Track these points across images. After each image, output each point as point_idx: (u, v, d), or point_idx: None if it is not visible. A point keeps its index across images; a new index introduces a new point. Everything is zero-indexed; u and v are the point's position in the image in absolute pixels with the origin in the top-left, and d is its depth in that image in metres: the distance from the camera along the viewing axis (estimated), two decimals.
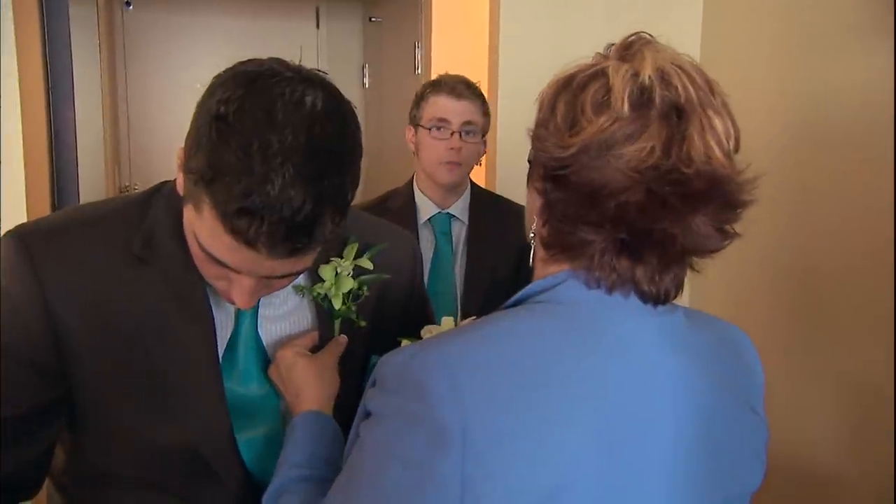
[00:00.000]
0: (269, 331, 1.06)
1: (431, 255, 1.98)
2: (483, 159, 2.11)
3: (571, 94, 0.80)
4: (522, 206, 2.25)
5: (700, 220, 0.76)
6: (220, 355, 1.01)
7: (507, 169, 2.58)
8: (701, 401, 0.83)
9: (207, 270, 0.92)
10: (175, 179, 0.97)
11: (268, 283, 0.92)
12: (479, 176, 2.32)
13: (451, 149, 1.91)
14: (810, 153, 2.11)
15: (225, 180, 0.79)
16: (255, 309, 1.03)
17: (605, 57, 0.81)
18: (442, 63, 3.30)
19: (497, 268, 1.96)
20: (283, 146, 0.79)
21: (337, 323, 1.10)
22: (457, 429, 0.72)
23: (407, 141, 2.04)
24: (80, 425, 1.02)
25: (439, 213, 2.02)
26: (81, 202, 3.54)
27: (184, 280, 0.98)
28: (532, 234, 0.87)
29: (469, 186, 2.07)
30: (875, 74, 1.89)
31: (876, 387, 1.89)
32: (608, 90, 0.77)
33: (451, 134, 1.92)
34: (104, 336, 0.96)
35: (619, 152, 0.75)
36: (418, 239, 1.96)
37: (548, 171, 0.81)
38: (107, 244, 0.98)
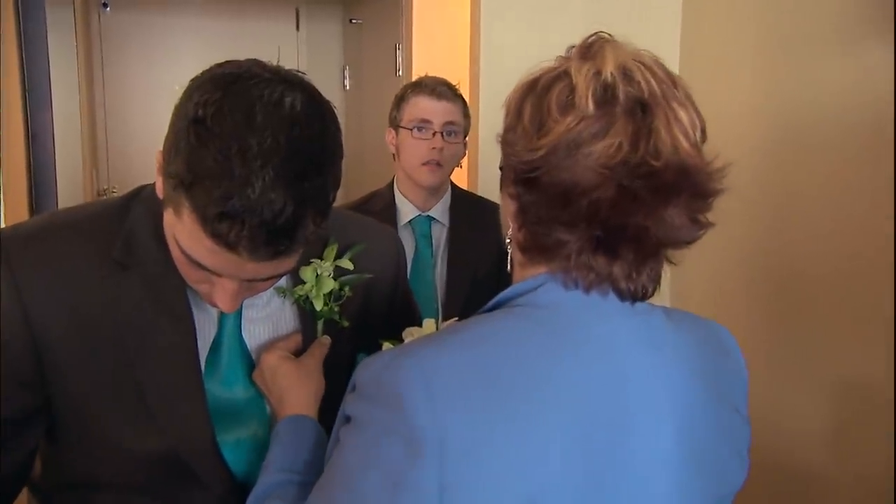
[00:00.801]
0: (253, 333, 1.06)
1: (412, 258, 1.99)
2: (464, 161, 2.12)
3: (537, 97, 0.81)
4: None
5: (672, 212, 0.78)
6: (204, 358, 1.02)
7: (489, 171, 2.59)
8: (683, 402, 0.84)
9: (189, 274, 0.92)
10: (154, 183, 0.98)
11: (250, 286, 0.93)
12: (460, 178, 2.33)
13: (434, 148, 1.92)
14: (791, 155, 2.14)
15: (204, 184, 0.79)
16: (238, 311, 1.03)
17: (567, 58, 0.83)
18: (423, 65, 3.30)
19: (478, 270, 1.97)
20: (263, 148, 0.80)
21: (320, 324, 1.10)
22: (434, 438, 0.72)
23: (387, 143, 2.05)
24: (60, 432, 1.01)
25: (420, 215, 2.02)
26: (60, 206, 3.52)
27: (164, 284, 0.98)
28: (508, 240, 0.87)
29: (450, 189, 2.08)
30: (857, 76, 1.93)
31: (858, 385, 1.92)
32: (572, 90, 0.78)
33: (433, 134, 1.93)
34: (84, 342, 0.96)
35: (587, 150, 0.76)
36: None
37: (519, 175, 0.82)
38: (86, 249, 0.98)
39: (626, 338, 0.82)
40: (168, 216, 0.87)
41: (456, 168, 2.05)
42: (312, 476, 0.92)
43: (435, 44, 3.31)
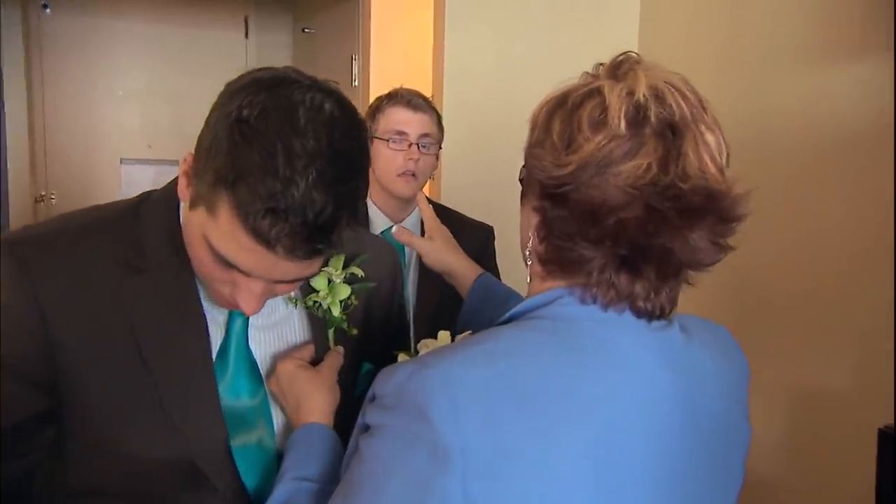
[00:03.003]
0: (259, 340, 1.09)
1: None
2: (436, 172, 2.20)
3: (567, 113, 0.84)
4: (474, 220, 2.25)
5: (697, 235, 0.81)
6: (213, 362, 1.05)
7: (452, 180, 2.66)
8: (701, 419, 0.87)
9: (215, 275, 0.95)
10: (163, 188, 1.05)
11: (272, 289, 0.97)
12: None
13: (410, 159, 1.98)
14: (752, 166, 2.16)
15: (248, 181, 0.83)
16: (245, 319, 1.07)
17: (595, 76, 0.86)
18: (380, 75, 3.36)
19: (449, 285, 1.99)
20: (306, 150, 0.84)
21: (331, 332, 1.14)
22: (457, 449, 0.75)
23: None
24: (69, 439, 1.02)
25: (392, 226, 2.05)
26: (10, 208, 3.46)
27: (178, 288, 1.02)
28: (528, 252, 0.90)
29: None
30: (818, 91, 2.03)
31: (815, 394, 2.01)
32: (604, 108, 0.81)
33: (409, 145, 1.98)
34: (100, 347, 0.98)
35: (617, 170, 0.79)
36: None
37: (545, 190, 0.84)
38: (100, 254, 1.00)
39: (645, 354, 0.85)
40: (198, 216, 0.91)
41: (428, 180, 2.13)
42: (329, 484, 0.96)
43: (392, 53, 3.35)
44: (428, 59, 2.80)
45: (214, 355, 1.05)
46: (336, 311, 1.12)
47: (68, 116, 4.37)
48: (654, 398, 0.83)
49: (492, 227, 2.09)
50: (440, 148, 2.08)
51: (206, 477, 1.02)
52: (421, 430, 0.76)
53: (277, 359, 1.09)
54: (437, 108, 2.12)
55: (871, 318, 1.86)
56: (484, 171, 2.61)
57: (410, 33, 3.22)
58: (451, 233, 1.84)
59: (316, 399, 1.05)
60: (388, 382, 0.80)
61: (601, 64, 0.88)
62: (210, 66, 4.48)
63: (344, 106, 0.91)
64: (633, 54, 0.86)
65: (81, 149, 4.27)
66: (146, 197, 1.07)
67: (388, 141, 1.99)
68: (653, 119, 0.80)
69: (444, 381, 0.77)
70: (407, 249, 2.06)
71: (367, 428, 0.82)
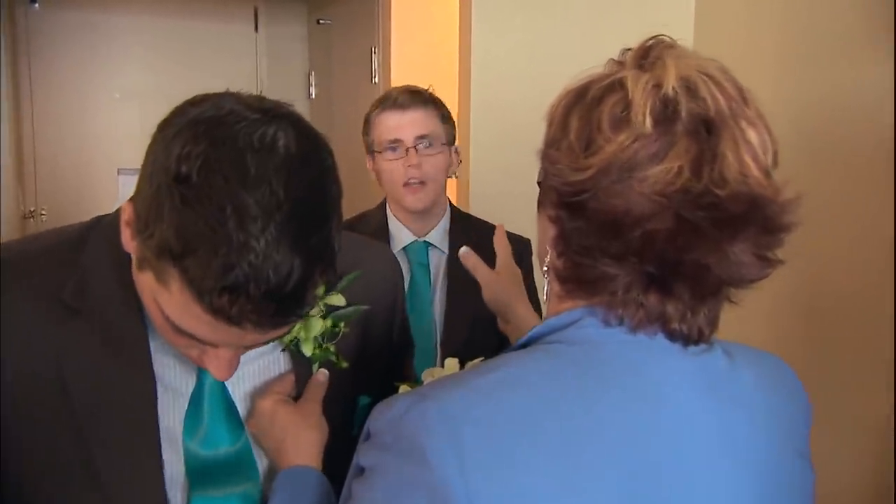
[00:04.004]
0: (238, 381, 1.05)
1: (408, 288, 1.97)
2: (458, 171, 2.14)
3: (585, 109, 0.80)
4: (508, 232, 2.25)
5: (738, 248, 0.76)
6: (182, 414, 1.01)
7: (482, 185, 2.63)
8: (745, 452, 0.83)
9: (175, 340, 0.91)
10: (112, 214, 0.99)
11: (244, 349, 0.94)
12: (451, 193, 2.36)
13: (410, 166, 1.93)
14: (815, 164, 2.20)
15: (198, 255, 0.78)
16: None
17: (621, 64, 0.82)
18: (403, 70, 3.35)
19: (480, 302, 1.93)
20: (262, 206, 0.79)
21: (315, 367, 1.09)
22: (460, 493, 0.72)
23: (370, 171, 2.05)
24: None
25: (416, 241, 2.03)
26: None
27: (123, 331, 0.98)
28: (546, 268, 0.87)
29: (448, 210, 2.08)
30: (880, 80, 2.00)
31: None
32: (627, 104, 0.77)
33: (406, 151, 1.93)
34: (25, 402, 0.95)
35: (642, 174, 0.75)
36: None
37: (562, 198, 0.81)
38: (35, 294, 0.96)
39: (680, 383, 0.81)
40: (146, 278, 0.86)
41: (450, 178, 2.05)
42: None
43: (415, 47, 3.36)
44: (456, 53, 2.77)
45: (186, 404, 1.02)
46: (308, 351, 1.07)
47: (60, 123, 4.31)
48: (695, 434, 0.80)
49: (528, 240, 1.98)
50: (451, 144, 2.01)
51: None
52: (419, 473, 0.73)
53: (255, 396, 1.06)
54: (454, 103, 2.05)
55: None
56: (517, 177, 2.52)
57: (436, 23, 3.22)
58: (481, 245, 1.79)
59: (300, 438, 1.02)
60: (383, 418, 0.78)
61: (628, 49, 0.83)
62: (217, 63, 4.47)
63: (302, 134, 0.85)
64: (666, 38, 0.82)
65: (74, 158, 4.25)
66: (96, 223, 1.02)
67: (383, 153, 1.96)
68: (684, 115, 0.75)
69: (444, 417, 0.74)
70: (434, 260, 2.04)
71: (361, 470, 0.79)
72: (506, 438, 0.74)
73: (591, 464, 0.75)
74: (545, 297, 0.89)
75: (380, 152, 1.97)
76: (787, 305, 2.26)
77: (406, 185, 1.94)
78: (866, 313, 1.99)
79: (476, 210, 2.41)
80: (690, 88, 0.77)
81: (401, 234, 2.03)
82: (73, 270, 0.98)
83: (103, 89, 4.31)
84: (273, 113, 0.85)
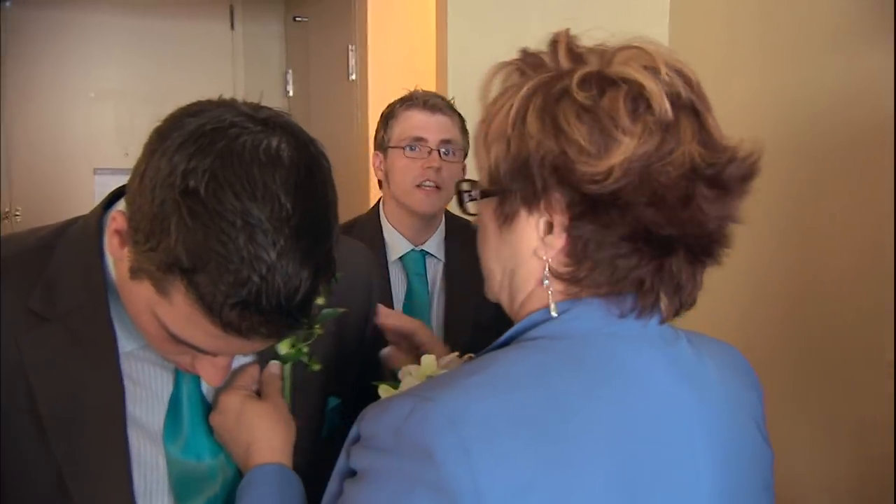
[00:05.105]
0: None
1: (403, 299, 1.97)
2: None
3: (578, 107, 0.80)
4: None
5: (734, 206, 0.84)
6: (161, 420, 1.01)
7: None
8: (717, 434, 0.87)
9: (168, 349, 0.92)
10: (87, 217, 0.99)
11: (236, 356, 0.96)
12: None
13: (429, 168, 1.91)
14: (795, 159, 2.20)
15: (209, 269, 0.79)
16: None
17: (592, 61, 0.84)
18: (380, 67, 3.36)
19: (480, 311, 1.90)
20: (271, 219, 0.80)
21: (287, 368, 1.10)
22: (468, 490, 0.74)
23: (374, 169, 2.05)
24: None
25: (413, 250, 2.01)
26: None
27: (92, 339, 0.97)
28: (531, 275, 0.87)
29: (443, 218, 2.06)
30: (861, 76, 1.99)
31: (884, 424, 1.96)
32: (638, 95, 0.80)
33: (429, 152, 1.92)
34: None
35: (664, 160, 0.79)
36: (388, 280, 1.97)
37: (577, 204, 0.81)
38: (2, 301, 0.96)
39: (659, 371, 0.85)
40: (143, 289, 0.86)
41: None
42: None
43: (392, 44, 3.35)
44: (433, 51, 2.76)
45: (165, 409, 1.01)
46: (284, 349, 1.08)
47: (34, 122, 4.28)
48: (675, 416, 0.84)
49: None
50: (465, 157, 2.00)
51: None
52: (424, 472, 0.75)
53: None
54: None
55: None
56: None
57: (413, 21, 3.21)
58: (466, 247, 1.81)
59: (269, 435, 1.01)
60: (380, 421, 0.78)
61: (526, 51, 0.87)
62: (193, 61, 4.45)
63: (301, 144, 0.86)
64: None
65: (50, 158, 4.23)
66: (63, 229, 1.02)
67: (404, 149, 1.94)
68: (684, 97, 0.81)
69: (450, 418, 0.76)
70: (431, 269, 2.03)
71: (353, 473, 0.80)
72: (508, 435, 0.76)
73: (587, 453, 0.78)
74: (517, 301, 0.90)
75: (399, 148, 1.95)
76: (784, 303, 2.27)
77: (420, 186, 1.93)
78: (864, 311, 1.99)
79: (452, 208, 2.43)
80: (678, 72, 0.82)
81: (396, 244, 2.01)
82: (39, 278, 0.97)
83: (78, 89, 4.29)
84: (273, 123, 0.85)
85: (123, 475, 0.98)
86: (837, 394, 2.06)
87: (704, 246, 0.83)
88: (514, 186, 0.84)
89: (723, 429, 0.88)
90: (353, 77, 3.49)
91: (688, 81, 0.82)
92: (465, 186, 0.89)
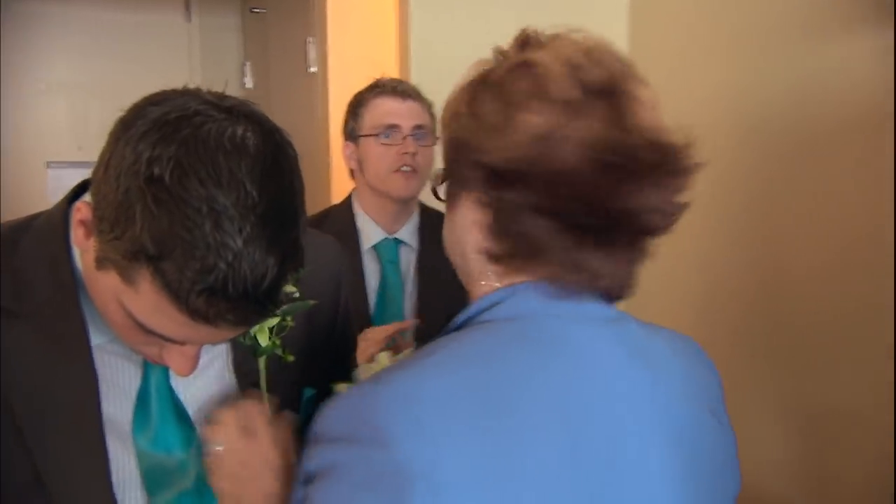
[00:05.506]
0: (185, 382, 1.05)
1: (377, 288, 2.00)
2: None
3: (498, 91, 0.87)
4: (436, 210, 2.27)
5: (653, 193, 0.86)
6: (131, 413, 1.02)
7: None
8: (670, 411, 0.90)
9: (135, 340, 0.92)
10: (50, 213, 1.00)
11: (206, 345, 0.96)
12: None
13: (405, 153, 1.96)
14: (753, 154, 2.26)
15: (175, 256, 0.79)
16: None
17: (514, 50, 0.91)
18: (340, 60, 3.34)
19: (453, 299, 1.91)
20: (237, 207, 0.80)
21: (262, 361, 1.10)
22: (424, 470, 0.75)
23: (345, 160, 2.08)
24: None
25: (386, 239, 2.05)
26: None
27: (62, 332, 0.97)
28: (471, 255, 0.92)
29: (417, 206, 2.11)
30: (817, 71, 2.05)
31: (830, 412, 2.01)
32: (543, 76, 0.85)
33: (403, 138, 1.97)
34: None
35: (570, 134, 0.83)
36: (362, 269, 1.99)
37: (494, 177, 0.86)
38: None
39: (605, 348, 0.88)
40: (108, 279, 0.86)
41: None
42: None
43: (352, 36, 3.34)
44: (394, 42, 2.77)
45: (133, 403, 1.02)
46: (264, 340, 1.08)
47: None
48: (622, 392, 0.87)
49: None
50: (436, 141, 2.04)
51: None
52: (381, 456, 0.76)
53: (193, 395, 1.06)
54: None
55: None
56: None
57: (373, 12, 3.21)
58: (439, 236, 1.80)
59: (262, 484, 1.00)
60: (331, 416, 0.81)
61: (502, 48, 0.93)
62: (148, 54, 4.36)
63: (267, 133, 0.86)
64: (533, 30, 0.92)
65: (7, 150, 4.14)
66: (27, 224, 1.02)
67: (377, 136, 1.97)
68: (591, 78, 0.85)
69: (402, 399, 0.79)
70: (404, 260, 2.07)
71: (311, 477, 0.81)
72: (461, 411, 0.78)
73: (540, 428, 0.80)
74: (468, 284, 0.95)
75: (371, 136, 1.98)
76: (746, 310, 2.31)
77: (397, 171, 1.97)
78: (822, 304, 2.05)
79: (424, 198, 2.44)
80: (591, 58, 0.87)
81: (370, 232, 2.05)
82: (6, 274, 0.97)
83: (28, 81, 4.21)
84: (237, 111, 0.86)
85: (101, 470, 0.99)
86: (793, 385, 2.12)
87: (609, 230, 0.86)
88: (450, 167, 0.92)
89: (673, 405, 0.91)
90: (313, 69, 3.47)
91: (612, 69, 0.86)
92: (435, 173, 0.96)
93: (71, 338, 0.98)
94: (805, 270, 2.14)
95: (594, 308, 0.90)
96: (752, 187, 2.26)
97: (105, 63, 4.34)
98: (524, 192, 0.84)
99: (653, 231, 0.89)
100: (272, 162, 0.85)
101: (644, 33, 2.71)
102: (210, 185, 0.80)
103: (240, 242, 0.80)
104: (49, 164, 4.24)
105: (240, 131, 0.83)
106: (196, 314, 0.82)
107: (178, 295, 0.81)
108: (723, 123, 2.32)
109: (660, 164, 0.85)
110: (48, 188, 4.21)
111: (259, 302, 0.84)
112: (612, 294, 0.90)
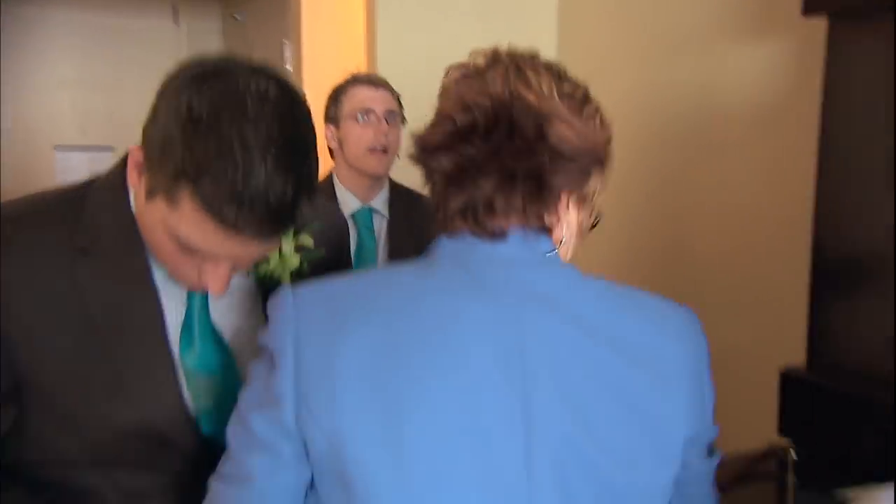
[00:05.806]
0: (219, 310, 1.16)
1: (355, 250, 2.24)
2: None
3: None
4: (426, 196, 2.48)
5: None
6: (178, 336, 1.12)
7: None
8: (570, 363, 0.85)
9: (179, 261, 1.01)
10: (107, 174, 1.11)
11: (237, 267, 1.05)
12: None
13: (380, 134, 2.18)
14: (664, 147, 2.44)
15: (210, 175, 0.90)
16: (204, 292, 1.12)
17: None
18: (313, 61, 3.47)
19: (417, 255, 1.99)
20: (260, 138, 0.91)
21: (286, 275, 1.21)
22: (296, 345, 0.84)
23: (327, 140, 2.27)
24: (30, 416, 1.06)
25: (362, 207, 2.27)
26: None
27: (129, 266, 1.08)
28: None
29: (387, 181, 2.35)
30: (724, 73, 2.23)
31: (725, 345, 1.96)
32: (471, 64, 0.94)
33: (378, 121, 2.20)
34: (53, 327, 1.03)
35: (478, 93, 0.89)
36: (347, 233, 2.23)
37: (423, 149, 0.93)
38: (48, 240, 1.05)
39: (521, 290, 0.87)
40: (156, 207, 0.97)
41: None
42: None
43: (324, 38, 3.43)
44: (362, 44, 2.96)
45: (179, 329, 1.12)
46: (286, 280, 1.19)
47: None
48: (521, 336, 0.85)
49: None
50: (404, 123, 2.28)
51: (170, 440, 1.10)
52: (267, 343, 0.86)
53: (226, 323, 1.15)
54: None
55: (782, 282, 2.02)
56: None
57: (343, 17, 3.30)
58: (406, 208, 2.14)
59: None
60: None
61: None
62: (142, 55, 4.58)
63: (285, 88, 0.98)
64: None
65: (11, 137, 4.33)
66: (89, 184, 1.13)
67: (357, 119, 2.20)
68: (504, 59, 0.92)
69: (295, 296, 0.87)
70: (377, 224, 2.29)
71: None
72: (341, 307, 0.85)
73: (419, 342, 0.83)
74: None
75: (351, 119, 2.20)
76: (656, 282, 2.44)
77: (372, 150, 2.19)
78: (731, 288, 2.20)
79: (395, 175, 2.54)
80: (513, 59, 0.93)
81: (349, 202, 2.26)
82: (79, 221, 1.07)
83: (34, 77, 4.34)
84: (264, 70, 0.98)
85: (166, 360, 1.10)
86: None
87: (514, 177, 0.88)
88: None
89: (582, 360, 0.86)
90: (288, 68, 3.63)
91: (520, 60, 0.92)
92: None
93: (137, 272, 1.08)
94: (700, 237, 2.33)
95: (512, 253, 0.89)
96: (659, 173, 2.45)
97: (104, 62, 4.51)
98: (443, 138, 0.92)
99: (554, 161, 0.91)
100: (289, 108, 0.96)
101: (571, 38, 2.90)
102: (239, 121, 0.90)
103: (263, 166, 0.90)
104: (56, 147, 4.36)
105: (263, 83, 0.94)
106: (226, 222, 0.92)
107: (212, 206, 0.91)
108: (637, 117, 2.49)
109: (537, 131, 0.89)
110: (56, 168, 4.34)
111: (280, 215, 0.94)
112: (531, 232, 0.91)
